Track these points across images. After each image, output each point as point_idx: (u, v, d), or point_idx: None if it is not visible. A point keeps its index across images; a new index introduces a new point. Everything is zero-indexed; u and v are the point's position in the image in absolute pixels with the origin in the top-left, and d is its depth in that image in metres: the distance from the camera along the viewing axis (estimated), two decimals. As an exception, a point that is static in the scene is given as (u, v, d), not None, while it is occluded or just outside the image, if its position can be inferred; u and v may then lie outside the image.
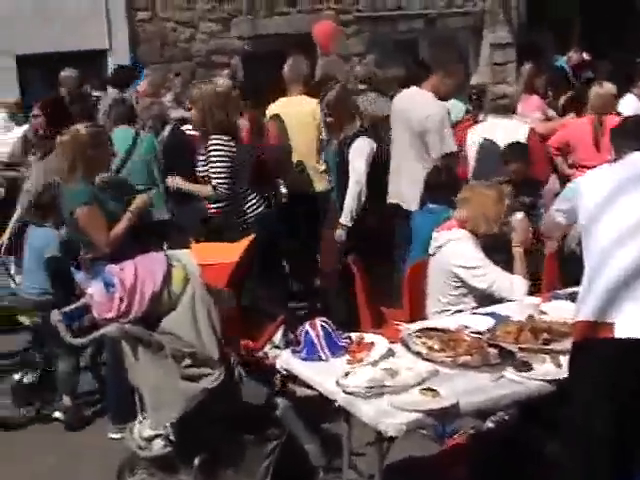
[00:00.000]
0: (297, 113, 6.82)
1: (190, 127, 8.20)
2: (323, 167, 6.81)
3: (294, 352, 4.01)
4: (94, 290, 3.84)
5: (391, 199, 6.26)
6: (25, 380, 5.56)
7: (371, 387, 3.51)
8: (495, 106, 6.74)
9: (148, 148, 6.59)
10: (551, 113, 8.12)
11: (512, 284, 4.69)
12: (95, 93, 9.17)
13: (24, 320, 5.57)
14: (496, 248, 4.93)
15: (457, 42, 13.84)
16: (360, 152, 6.01)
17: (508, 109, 6.66)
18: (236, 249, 4.89)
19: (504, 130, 6.44)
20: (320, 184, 6.83)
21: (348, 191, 5.98)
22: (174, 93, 9.69)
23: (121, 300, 3.74)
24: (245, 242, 5.02)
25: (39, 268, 5.47)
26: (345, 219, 5.99)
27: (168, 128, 7.28)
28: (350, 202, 5.96)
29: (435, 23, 13.64)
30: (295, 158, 6.79)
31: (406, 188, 6.09)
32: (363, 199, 5.98)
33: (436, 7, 13.62)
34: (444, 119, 6.02)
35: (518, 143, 6.23)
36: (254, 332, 4.88)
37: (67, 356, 5.40)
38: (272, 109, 7.10)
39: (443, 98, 6.23)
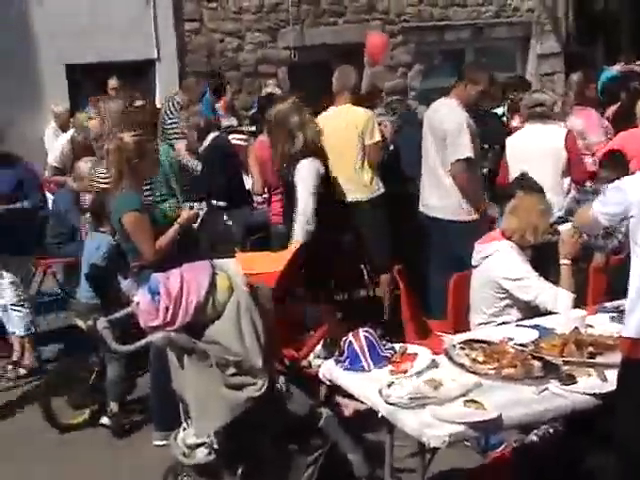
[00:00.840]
0: (344, 122, 6.85)
1: (239, 136, 8.31)
2: (370, 175, 6.82)
3: (337, 362, 4.02)
4: (140, 298, 3.88)
5: (422, 208, 6.63)
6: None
7: (414, 398, 3.51)
8: (532, 113, 6.72)
9: (163, 159, 6.51)
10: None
11: (557, 297, 4.66)
12: (139, 102, 9.25)
13: (80, 324, 5.65)
14: (541, 258, 4.91)
15: (504, 52, 13.81)
16: (303, 178, 5.90)
17: (544, 115, 6.65)
18: (281, 258, 4.92)
19: (542, 135, 6.44)
20: (364, 193, 6.84)
21: (296, 221, 5.90)
22: (222, 102, 9.79)
23: (166, 309, 3.77)
24: (290, 251, 5.05)
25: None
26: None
27: (210, 138, 7.31)
28: (299, 232, 5.88)
29: (482, 33, 13.60)
30: (340, 167, 6.80)
31: (435, 197, 6.40)
32: (311, 227, 5.89)
33: (483, 17, 13.57)
34: (461, 127, 6.21)
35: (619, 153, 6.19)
36: (298, 341, 4.90)
37: (116, 362, 5.47)
38: (320, 119, 7.12)
39: (467, 106, 6.43)
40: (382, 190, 6.81)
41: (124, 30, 10.67)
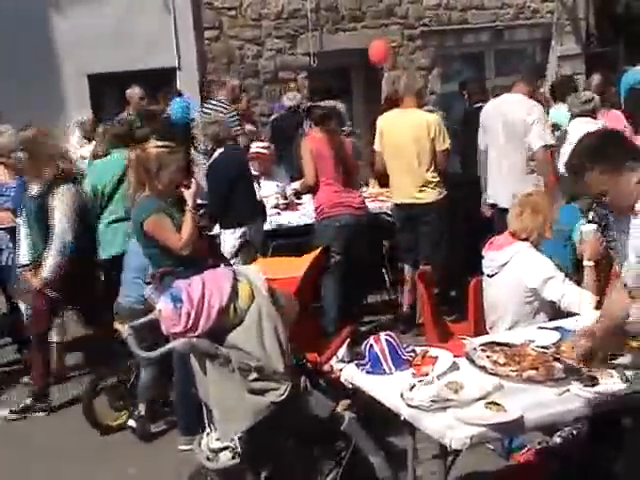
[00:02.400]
0: (409, 125, 6.93)
1: (260, 144, 8.35)
2: (436, 178, 6.88)
3: (358, 366, 4.04)
4: (162, 305, 3.92)
5: (490, 199, 7.03)
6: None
7: (436, 401, 3.52)
8: (583, 110, 7.09)
9: None
10: None
11: (581, 298, 4.64)
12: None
13: (119, 327, 5.62)
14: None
15: (524, 54, 13.78)
16: (61, 202, 5.98)
17: (589, 114, 7.01)
18: (302, 263, 4.96)
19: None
20: (430, 195, 6.91)
21: (52, 244, 5.95)
22: (239, 109, 9.85)
23: (188, 315, 3.80)
24: (311, 256, 5.09)
25: (132, 277, 5.65)
26: (47, 272, 5.97)
27: (218, 152, 6.99)
28: (54, 255, 5.93)
29: (502, 36, 13.58)
30: (405, 169, 6.90)
31: (505, 187, 6.73)
32: (67, 252, 5.96)
33: (502, 20, 13.56)
34: (543, 117, 6.83)
35: None
36: (320, 345, 4.93)
37: (150, 366, 5.52)
38: (383, 120, 7.23)
39: None
40: (445, 192, 6.94)
41: (145, 39, 10.77)
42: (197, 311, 3.80)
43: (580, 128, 6.65)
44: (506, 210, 6.46)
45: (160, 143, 5.32)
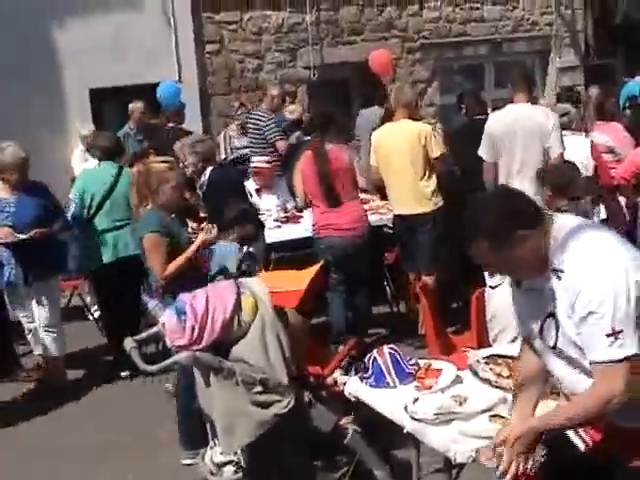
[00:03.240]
0: (401, 136, 6.97)
1: (261, 158, 8.35)
2: (432, 188, 6.90)
3: (362, 379, 4.04)
4: (166, 318, 3.92)
5: None
6: None
7: (440, 414, 3.53)
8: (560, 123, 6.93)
9: (127, 185, 6.56)
10: None
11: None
12: (170, 124, 9.37)
13: None
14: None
15: (524, 66, 13.81)
16: None
17: (567, 127, 6.78)
18: (304, 277, 4.95)
19: (569, 146, 6.53)
20: (427, 205, 6.92)
21: None
22: (237, 123, 9.88)
23: (193, 328, 3.81)
24: (313, 269, 5.09)
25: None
26: None
27: (208, 171, 6.81)
28: None
29: (501, 48, 13.63)
30: (401, 179, 6.90)
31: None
32: None
33: (501, 32, 13.61)
34: (558, 124, 6.77)
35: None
36: (323, 358, 4.93)
37: None
38: (378, 134, 7.27)
39: None
40: (442, 203, 6.95)
41: (146, 53, 10.80)
42: (201, 324, 3.80)
43: None
44: None
45: (160, 159, 5.35)
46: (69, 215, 6.78)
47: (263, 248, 6.99)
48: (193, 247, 5.09)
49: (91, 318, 8.01)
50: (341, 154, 6.83)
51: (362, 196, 7.39)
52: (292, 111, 10.10)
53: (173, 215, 5.24)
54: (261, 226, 7.10)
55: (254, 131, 9.02)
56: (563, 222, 2.85)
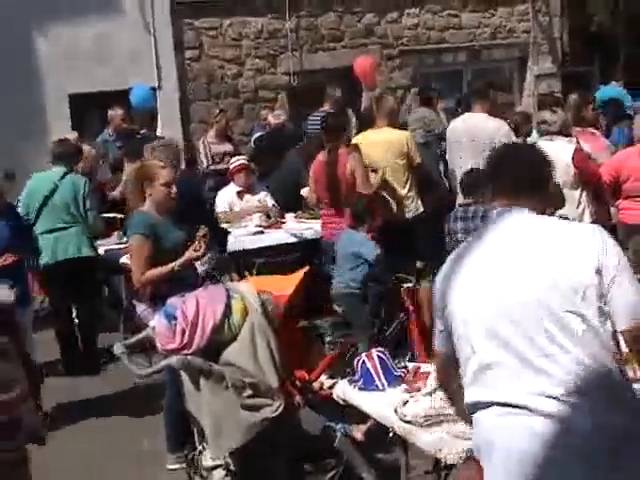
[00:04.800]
0: (383, 143, 7.01)
1: (241, 157, 8.35)
2: (413, 194, 6.95)
3: (351, 382, 4.07)
4: (157, 322, 3.93)
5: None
6: None
7: (429, 416, 3.55)
8: (539, 130, 7.11)
9: (70, 189, 6.87)
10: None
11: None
12: (143, 131, 9.37)
13: (337, 308, 6.40)
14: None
15: (502, 73, 13.93)
16: None
17: (549, 132, 6.85)
18: (291, 281, 4.97)
19: (550, 152, 6.56)
20: (408, 210, 6.97)
21: None
22: (216, 129, 9.89)
23: (183, 332, 3.82)
24: (299, 274, 5.10)
25: (345, 265, 6.27)
26: None
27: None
28: None
29: (479, 55, 13.73)
30: (382, 186, 6.94)
31: None
32: None
33: (480, 39, 13.71)
34: (511, 133, 7.05)
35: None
36: (311, 362, 4.94)
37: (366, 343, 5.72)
38: (357, 141, 7.32)
39: None
40: (422, 209, 7.00)
41: (125, 59, 10.79)
42: (192, 328, 3.82)
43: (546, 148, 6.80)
44: None
45: (154, 157, 5.34)
46: None
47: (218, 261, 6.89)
48: (178, 262, 4.95)
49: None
50: (346, 157, 6.85)
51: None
52: (277, 116, 10.15)
53: (165, 214, 5.14)
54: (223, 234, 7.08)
55: (314, 133, 8.98)
56: None
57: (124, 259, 6.84)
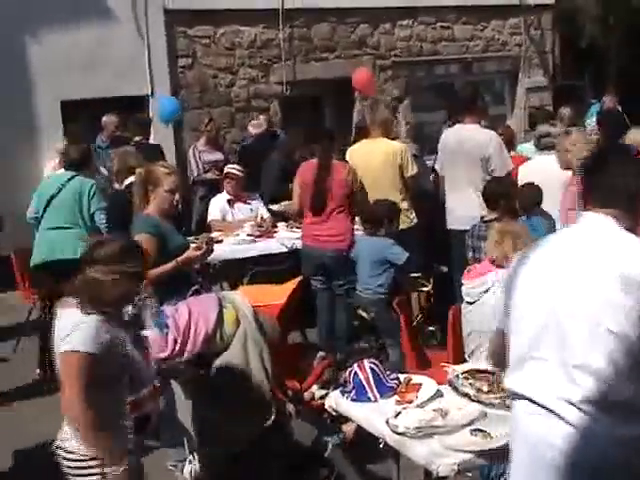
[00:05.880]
0: (377, 154, 7.03)
1: (234, 166, 8.34)
2: (405, 205, 6.96)
3: (343, 393, 4.06)
4: (149, 332, 3.92)
5: (454, 225, 7.05)
6: None
7: (421, 427, 3.55)
8: (543, 144, 7.19)
9: (75, 190, 6.97)
10: None
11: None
12: (136, 138, 9.35)
13: (363, 314, 6.43)
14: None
15: (493, 86, 14.01)
16: None
17: (552, 146, 6.91)
18: (283, 291, 4.99)
19: (551, 165, 6.62)
20: (403, 223, 6.98)
21: None
22: (207, 137, 9.90)
23: (175, 341, 3.82)
24: (292, 284, 5.12)
25: (371, 271, 6.28)
26: None
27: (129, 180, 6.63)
28: None
29: (471, 67, 13.79)
30: (375, 196, 6.93)
31: (465, 210, 6.80)
32: None
33: (472, 52, 13.78)
34: (503, 145, 7.07)
35: None
36: (302, 372, 4.94)
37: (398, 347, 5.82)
38: (352, 152, 7.33)
39: None
40: (416, 220, 7.05)
41: (118, 66, 10.76)
42: (183, 338, 3.82)
43: (542, 162, 6.85)
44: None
45: (160, 163, 5.35)
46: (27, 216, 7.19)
47: None
48: (180, 258, 4.98)
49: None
50: (343, 171, 6.84)
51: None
52: (256, 125, 10.17)
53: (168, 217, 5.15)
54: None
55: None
56: None
57: None
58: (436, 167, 7.48)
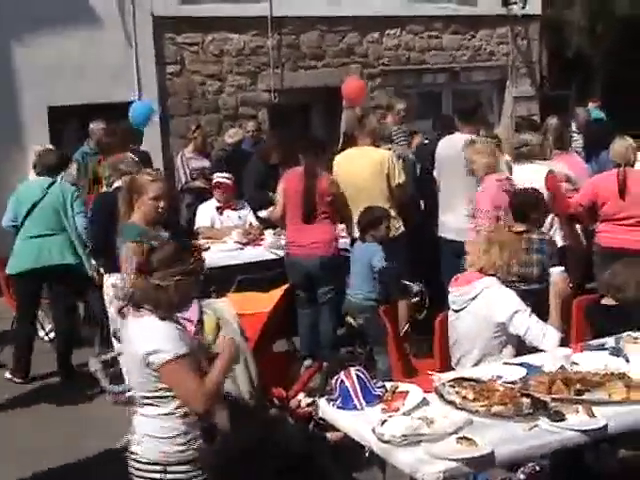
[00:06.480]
0: (365, 162, 7.03)
1: (223, 174, 8.34)
2: (392, 213, 6.97)
3: (329, 401, 4.05)
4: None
5: (444, 234, 7.18)
6: None
7: (407, 435, 3.55)
8: (517, 154, 7.12)
9: (58, 197, 6.98)
10: None
11: (545, 334, 4.73)
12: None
13: (351, 321, 6.41)
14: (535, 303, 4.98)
15: (481, 95, 14.05)
16: None
17: (529, 156, 6.94)
18: (270, 299, 4.98)
19: (527, 174, 6.68)
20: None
21: None
22: (194, 145, 9.89)
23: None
24: (279, 291, 5.12)
25: (362, 277, 6.31)
26: None
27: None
28: None
29: (459, 77, 13.84)
30: (361, 204, 6.93)
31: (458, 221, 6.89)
32: None
33: (460, 61, 13.83)
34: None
35: None
36: (288, 380, 4.93)
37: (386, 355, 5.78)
38: (340, 159, 7.34)
39: None
40: (402, 228, 7.04)
41: (106, 72, 10.75)
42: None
43: (518, 172, 6.88)
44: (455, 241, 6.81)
45: (147, 171, 5.34)
46: (2, 222, 7.19)
47: None
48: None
49: (45, 339, 7.86)
50: (326, 182, 6.90)
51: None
52: (232, 135, 10.19)
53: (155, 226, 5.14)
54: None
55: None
56: None
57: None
58: (435, 174, 7.54)
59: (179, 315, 3.68)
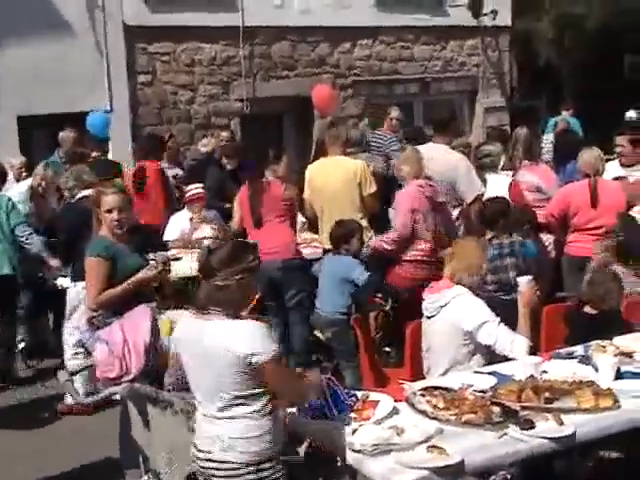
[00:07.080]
0: (337, 172, 7.05)
1: (197, 185, 8.34)
2: (364, 223, 6.97)
3: (300, 411, 4.04)
4: (97, 351, 3.89)
5: None
6: None
7: (378, 445, 3.55)
8: (480, 164, 7.33)
9: None
10: None
11: (513, 343, 4.76)
12: (94, 154, 9.28)
13: (319, 335, 6.44)
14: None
15: (452, 105, 14.15)
16: None
17: (492, 166, 7.04)
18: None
19: (489, 185, 6.76)
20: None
21: None
22: (167, 154, 9.86)
23: (121, 361, 3.79)
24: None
25: (333, 290, 6.21)
26: None
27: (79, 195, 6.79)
28: None
29: (430, 87, 13.92)
30: (335, 215, 6.93)
31: None
32: None
33: (431, 72, 13.91)
34: (471, 167, 7.21)
35: None
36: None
37: (354, 369, 5.80)
38: (312, 169, 7.36)
39: None
40: (374, 238, 7.01)
41: (77, 82, 10.69)
42: (123, 355, 3.79)
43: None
44: None
45: (104, 184, 5.32)
46: None
47: None
48: (131, 280, 4.91)
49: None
50: (280, 188, 6.97)
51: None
52: (205, 144, 10.17)
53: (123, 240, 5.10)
54: None
55: (376, 149, 9.44)
56: None
57: (60, 280, 6.89)
58: None
59: (103, 334, 3.69)
